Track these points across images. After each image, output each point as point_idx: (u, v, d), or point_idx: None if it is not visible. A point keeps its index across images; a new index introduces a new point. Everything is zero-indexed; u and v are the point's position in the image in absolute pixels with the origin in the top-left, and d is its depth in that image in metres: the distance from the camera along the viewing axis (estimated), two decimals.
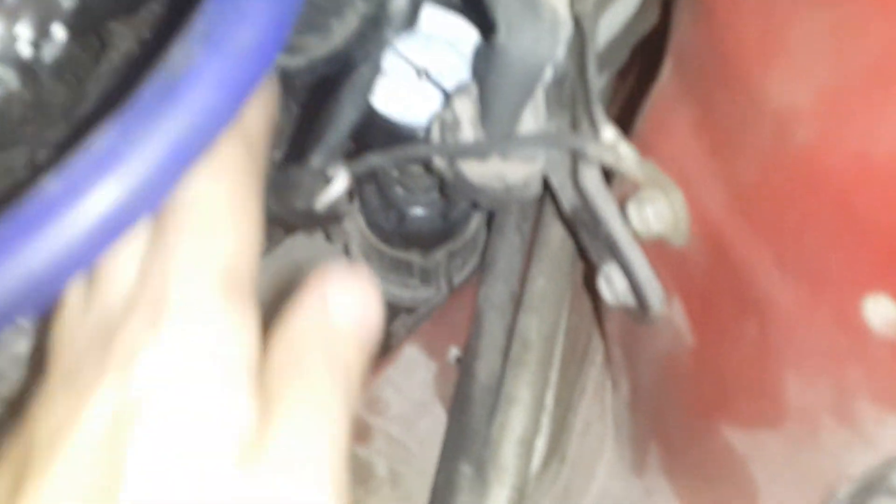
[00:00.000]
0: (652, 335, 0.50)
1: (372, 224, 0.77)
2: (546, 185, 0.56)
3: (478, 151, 0.51)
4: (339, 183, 0.52)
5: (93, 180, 0.29)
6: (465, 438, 0.62)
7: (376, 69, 0.54)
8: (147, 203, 0.30)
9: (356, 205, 0.77)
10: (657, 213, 0.42)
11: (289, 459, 0.25)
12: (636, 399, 0.60)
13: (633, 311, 0.49)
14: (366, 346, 0.30)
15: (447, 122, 0.55)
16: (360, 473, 0.66)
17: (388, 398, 0.70)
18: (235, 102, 0.31)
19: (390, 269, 0.79)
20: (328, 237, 0.81)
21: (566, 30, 0.52)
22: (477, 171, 0.55)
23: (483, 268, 0.71)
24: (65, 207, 0.29)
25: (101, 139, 0.30)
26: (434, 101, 0.64)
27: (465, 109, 0.53)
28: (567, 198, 0.54)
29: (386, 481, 0.67)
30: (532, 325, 0.65)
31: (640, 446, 0.62)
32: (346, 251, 0.82)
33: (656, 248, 0.45)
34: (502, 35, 0.45)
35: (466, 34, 0.66)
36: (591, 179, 0.48)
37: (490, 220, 0.75)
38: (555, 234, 0.68)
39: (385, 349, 0.75)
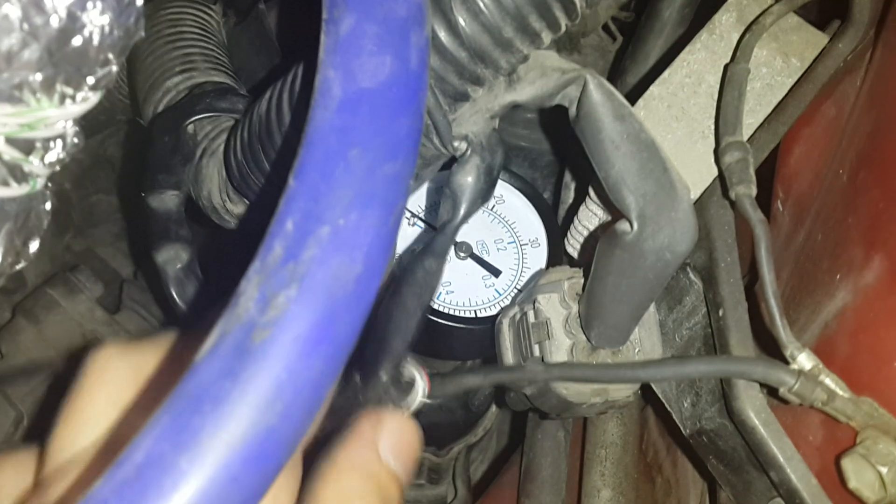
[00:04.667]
0: None
1: None
2: None
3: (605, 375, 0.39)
4: (420, 385, 0.40)
5: None
6: None
7: (442, 260, 0.42)
8: None
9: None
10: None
11: None
12: None
13: None
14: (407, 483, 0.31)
15: (530, 324, 0.43)
16: None
17: None
18: (334, 369, 0.21)
19: None
20: None
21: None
22: (574, 389, 0.43)
23: (523, 473, 0.58)
24: None
25: (143, 440, 0.19)
26: (480, 282, 0.52)
27: (556, 310, 0.42)
28: (688, 414, 0.43)
29: None
30: None
31: None
32: None
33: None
34: (635, 227, 0.34)
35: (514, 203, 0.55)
36: (757, 409, 0.37)
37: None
38: (614, 429, 0.57)
39: None
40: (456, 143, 0.33)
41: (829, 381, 0.33)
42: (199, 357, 0.20)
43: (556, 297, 0.42)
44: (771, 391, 0.36)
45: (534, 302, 0.43)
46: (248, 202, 0.46)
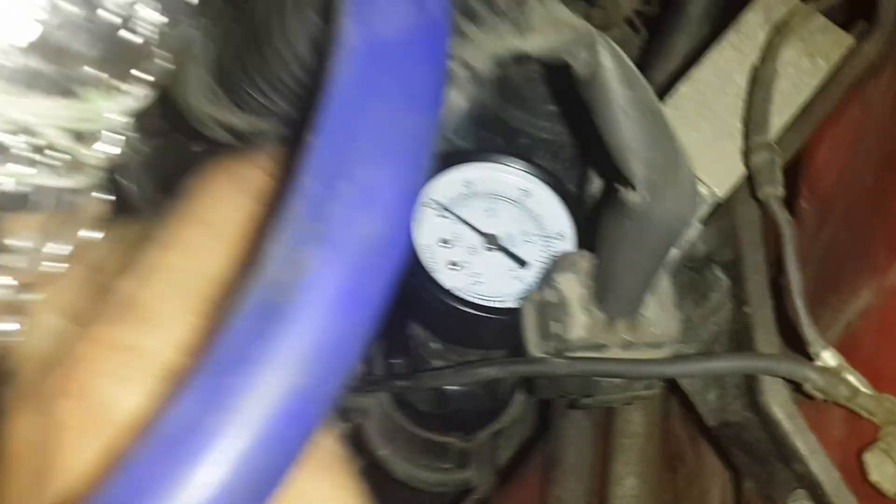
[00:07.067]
0: None
1: (401, 402, 0.65)
2: None
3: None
4: None
5: (164, 478, 0.19)
6: None
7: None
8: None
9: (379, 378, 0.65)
10: None
11: None
12: None
13: None
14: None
15: (549, 304, 0.44)
16: None
17: None
18: (363, 330, 0.21)
19: (419, 451, 0.66)
20: (341, 414, 0.67)
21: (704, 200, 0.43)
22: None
23: (548, 460, 0.60)
24: None
25: (177, 406, 0.19)
26: (507, 274, 0.53)
27: (573, 289, 0.43)
28: (713, 407, 0.44)
29: None
30: None
31: None
32: (358, 431, 0.69)
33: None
34: (642, 196, 0.34)
35: (538, 192, 0.56)
36: (782, 403, 0.38)
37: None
38: (638, 419, 0.58)
39: None
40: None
41: (853, 378, 0.34)
42: (226, 321, 0.20)
43: (574, 277, 0.43)
44: (796, 387, 0.37)
45: (552, 282, 0.43)
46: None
